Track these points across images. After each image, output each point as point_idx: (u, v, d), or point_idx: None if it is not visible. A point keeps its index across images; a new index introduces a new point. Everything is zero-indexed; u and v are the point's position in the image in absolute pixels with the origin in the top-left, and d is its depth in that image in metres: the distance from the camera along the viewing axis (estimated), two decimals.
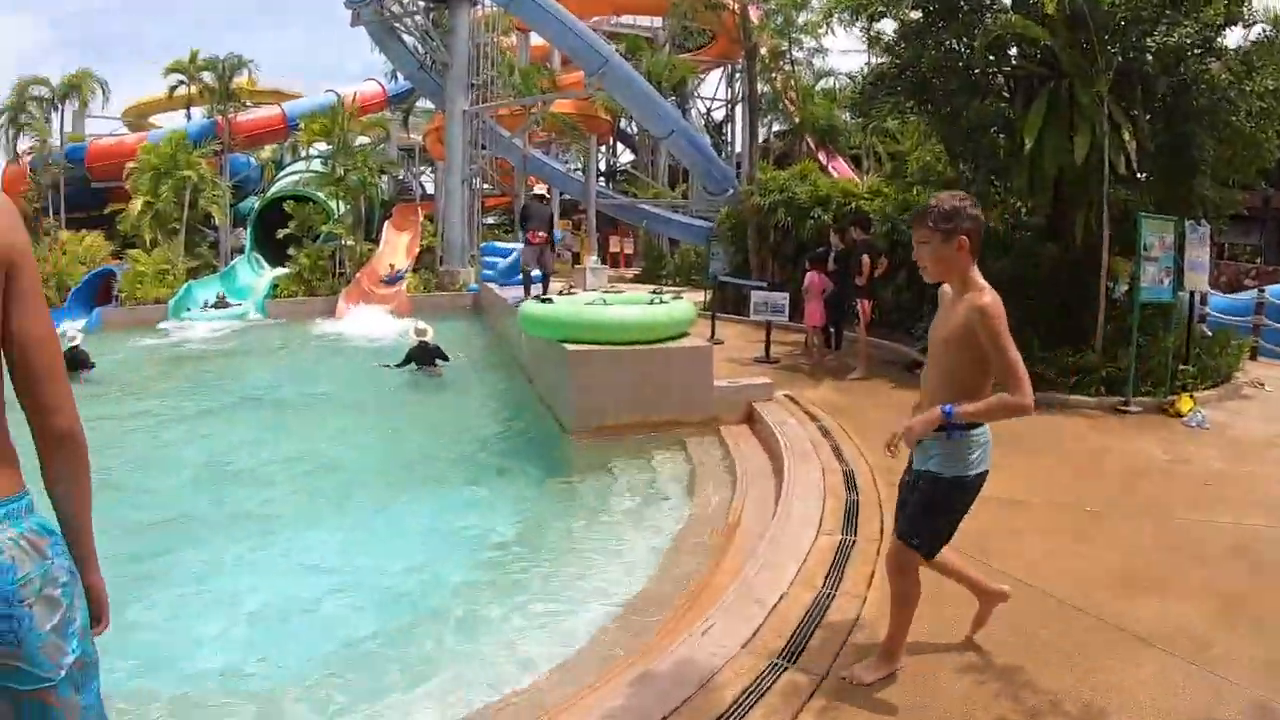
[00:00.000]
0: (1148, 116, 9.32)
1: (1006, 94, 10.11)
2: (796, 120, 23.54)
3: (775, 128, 26.66)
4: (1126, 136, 8.85)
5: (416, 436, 9.84)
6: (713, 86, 39.13)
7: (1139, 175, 9.38)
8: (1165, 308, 9.51)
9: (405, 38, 27.02)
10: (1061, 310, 9.70)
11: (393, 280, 24.14)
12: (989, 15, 9.31)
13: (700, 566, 5.05)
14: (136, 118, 40.09)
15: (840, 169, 24.77)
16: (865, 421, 7.85)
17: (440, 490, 7.63)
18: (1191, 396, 8.81)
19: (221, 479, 8.22)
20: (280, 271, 26.32)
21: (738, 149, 32.03)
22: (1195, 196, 9.54)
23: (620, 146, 42.43)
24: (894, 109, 10.92)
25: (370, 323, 20.06)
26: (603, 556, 5.59)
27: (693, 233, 26.72)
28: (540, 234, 14.09)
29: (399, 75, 32.38)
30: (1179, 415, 8.38)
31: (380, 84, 36.28)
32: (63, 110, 32.37)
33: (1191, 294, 9.89)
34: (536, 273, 14.15)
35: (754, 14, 19.72)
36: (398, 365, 12.84)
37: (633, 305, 9.07)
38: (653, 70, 28.25)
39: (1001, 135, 9.99)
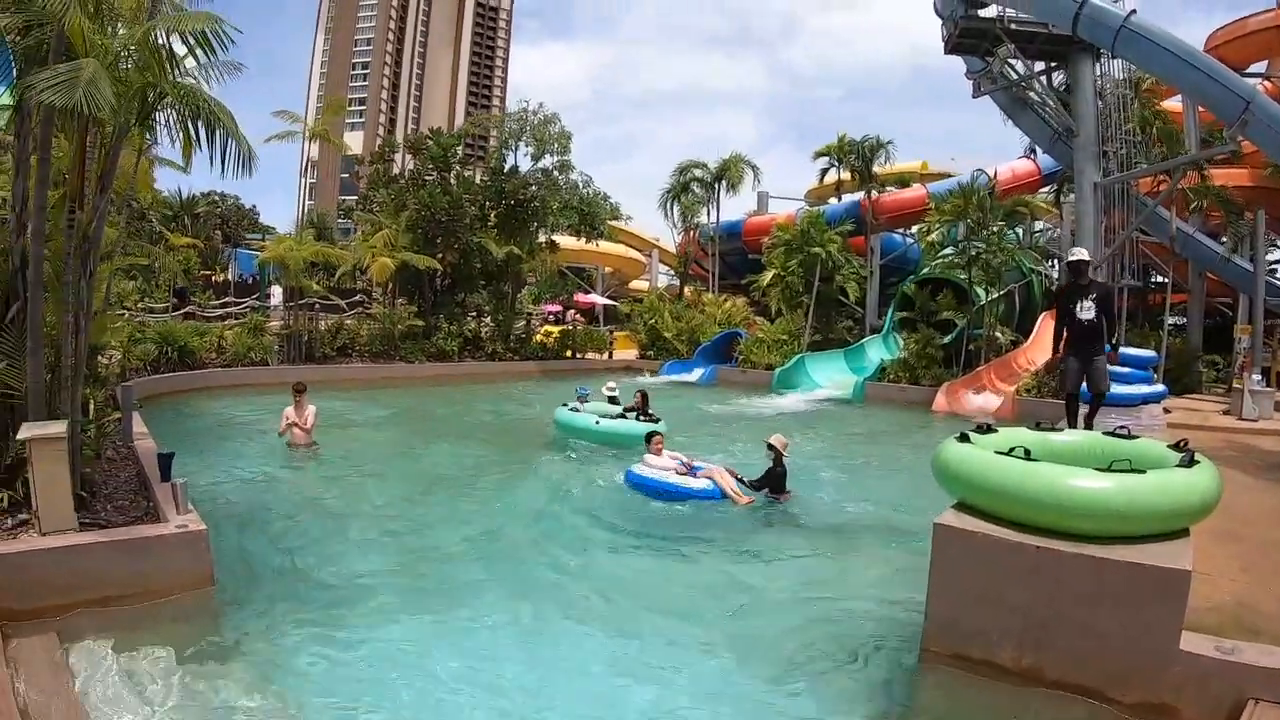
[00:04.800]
0: None
1: None
2: None
3: None
4: None
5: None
6: None
7: None
8: None
9: (1042, 108, 23.83)
10: None
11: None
12: None
13: None
14: (817, 200, 42.66)
15: None
16: None
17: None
18: None
19: None
20: (884, 356, 25.26)
21: None
22: None
23: None
24: None
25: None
26: None
27: None
28: (1091, 320, 9.19)
29: (1036, 149, 29.19)
30: None
31: (1033, 160, 33.07)
32: (719, 190, 36.18)
33: None
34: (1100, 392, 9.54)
35: None
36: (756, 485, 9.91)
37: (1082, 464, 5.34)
38: None
39: None
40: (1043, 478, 4.96)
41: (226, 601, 6.33)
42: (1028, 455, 5.26)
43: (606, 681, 5.40)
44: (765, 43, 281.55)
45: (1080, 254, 9.53)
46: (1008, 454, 5.34)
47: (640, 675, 5.47)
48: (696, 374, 26.43)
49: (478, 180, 27.91)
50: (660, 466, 9.97)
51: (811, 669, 5.65)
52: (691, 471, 9.94)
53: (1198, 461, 5.25)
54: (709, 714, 5.05)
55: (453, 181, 26.78)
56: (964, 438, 5.82)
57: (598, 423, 13.19)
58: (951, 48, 23.97)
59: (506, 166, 27.96)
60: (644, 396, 14.12)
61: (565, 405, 13.94)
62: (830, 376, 24.53)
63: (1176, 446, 5.60)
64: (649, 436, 10.54)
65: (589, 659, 5.70)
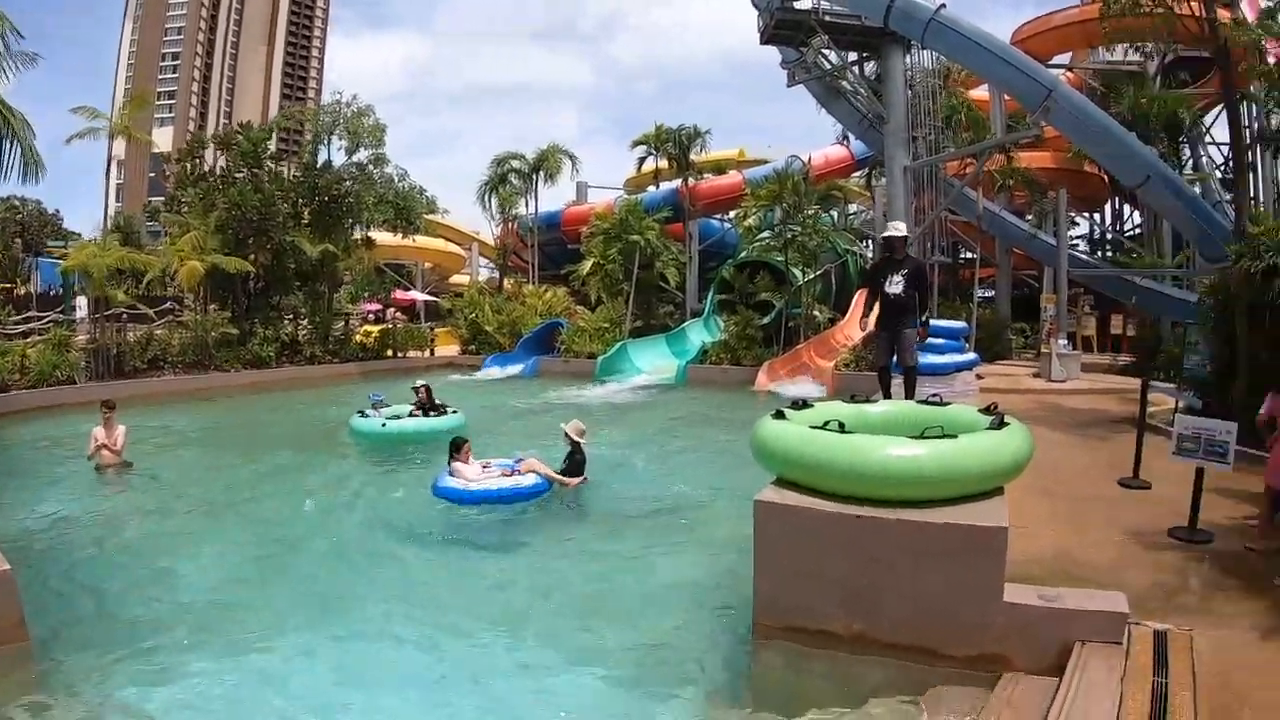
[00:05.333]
0: None
1: None
2: None
3: None
4: None
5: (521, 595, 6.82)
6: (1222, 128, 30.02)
7: None
8: None
9: (854, 96, 24.64)
10: None
11: None
12: None
13: None
14: (637, 189, 42.59)
15: None
16: None
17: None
18: None
19: None
20: (705, 339, 25.50)
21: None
22: None
23: (1129, 210, 34.90)
24: None
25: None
26: None
27: (1193, 312, 19.83)
28: (898, 295, 9.08)
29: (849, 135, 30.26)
30: None
31: (846, 146, 34.21)
32: (537, 181, 35.67)
33: None
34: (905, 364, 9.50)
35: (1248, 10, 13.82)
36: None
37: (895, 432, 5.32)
38: (1134, 108, 22.34)
39: None
40: (856, 449, 4.88)
41: (44, 654, 5.47)
42: (842, 428, 5.17)
43: (429, 694, 5.06)
44: (587, 37, 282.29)
45: (898, 229, 9.44)
46: (822, 428, 5.20)
47: (464, 686, 5.14)
48: (519, 367, 25.98)
49: (290, 176, 26.33)
50: (471, 476, 9.24)
51: (648, 655, 5.49)
52: (512, 470, 9.37)
53: (1008, 423, 5.32)
54: (548, 714, 4.80)
55: (264, 178, 25.16)
56: (780, 414, 5.70)
57: (384, 425, 12.79)
58: (768, 39, 24.41)
59: (320, 161, 26.57)
60: (427, 390, 13.69)
61: (360, 412, 13.47)
62: (653, 362, 24.54)
63: (987, 410, 5.68)
64: (455, 445, 9.58)
65: (409, 671, 5.35)
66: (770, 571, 5.10)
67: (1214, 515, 7.15)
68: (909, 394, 8.89)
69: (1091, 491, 8.06)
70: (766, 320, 24.71)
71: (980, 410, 5.74)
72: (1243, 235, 11.60)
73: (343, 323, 28.45)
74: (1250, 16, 14.16)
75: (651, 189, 36.29)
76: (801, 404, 6.10)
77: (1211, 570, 5.84)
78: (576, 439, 9.74)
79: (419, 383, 14.02)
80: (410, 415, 13.21)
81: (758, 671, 5.20)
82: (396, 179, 26.83)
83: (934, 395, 6.52)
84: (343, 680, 5.25)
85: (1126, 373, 19.52)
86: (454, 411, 13.14)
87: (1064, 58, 28.48)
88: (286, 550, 8.00)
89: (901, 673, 4.75)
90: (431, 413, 13.11)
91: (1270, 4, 13.96)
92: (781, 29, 23.60)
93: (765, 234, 27.54)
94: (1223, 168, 26.74)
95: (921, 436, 4.92)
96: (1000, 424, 5.28)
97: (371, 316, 34.62)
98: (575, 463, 9.67)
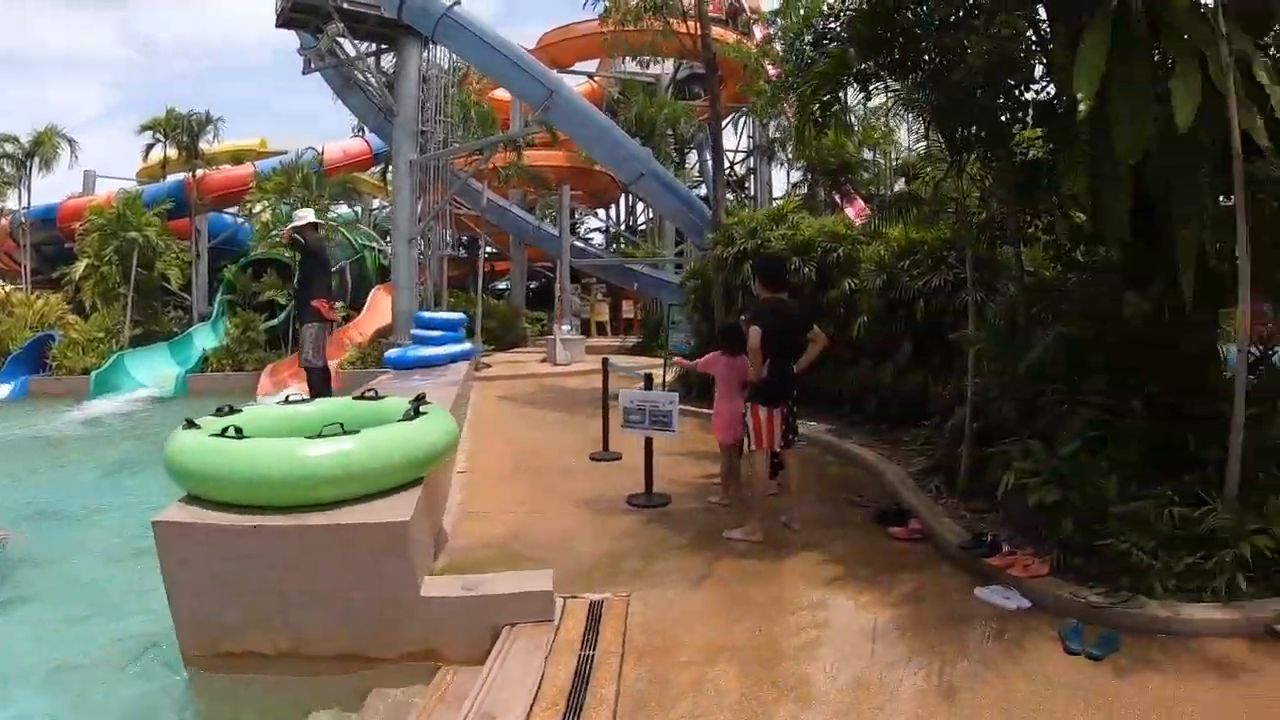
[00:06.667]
0: None
1: (1038, 24, 5.72)
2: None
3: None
4: (1264, 78, 4.40)
5: None
6: (734, 139, 34.78)
7: None
8: None
9: (367, 87, 23.91)
10: (1156, 420, 5.17)
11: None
12: None
13: None
14: (149, 179, 37.66)
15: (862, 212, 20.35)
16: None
17: None
18: None
19: None
20: (211, 344, 23.49)
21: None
22: None
23: (641, 206, 38.34)
24: (839, 77, 6.38)
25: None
26: None
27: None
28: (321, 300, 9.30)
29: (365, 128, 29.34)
30: None
31: (365, 140, 33.09)
32: (31, 168, 29.65)
33: None
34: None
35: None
36: None
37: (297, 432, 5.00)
38: (644, 114, 24.50)
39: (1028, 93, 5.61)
40: (249, 456, 4.46)
41: None
42: (240, 434, 4.68)
43: None
44: (112, 2, 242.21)
45: (302, 217, 9.38)
46: (222, 435, 4.63)
47: None
48: (6, 388, 21.83)
49: None
50: None
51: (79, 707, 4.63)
52: None
53: (424, 413, 5.20)
54: None
55: None
56: (190, 424, 5.09)
57: None
58: (283, 21, 22.91)
59: None
60: None
61: None
62: (155, 373, 22.05)
63: (417, 401, 5.52)
64: None
65: None
66: (185, 597, 4.50)
67: (687, 475, 7.72)
68: (313, 393, 8.70)
69: (563, 466, 8.35)
70: (275, 321, 23.44)
71: (412, 401, 5.56)
72: (719, 225, 13.04)
73: None
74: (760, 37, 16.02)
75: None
76: (229, 409, 5.52)
77: (661, 531, 6.11)
78: None
79: None
80: None
81: (204, 708, 4.52)
82: None
83: (369, 390, 6.29)
84: None
85: (635, 352, 21.36)
86: None
87: (591, 65, 30.31)
88: None
89: (340, 683, 4.40)
90: None
91: (772, 32, 16.04)
92: (298, 12, 22.31)
93: (277, 230, 25.82)
94: (728, 171, 30.56)
95: (320, 436, 4.60)
96: (415, 414, 5.17)
97: None
98: None
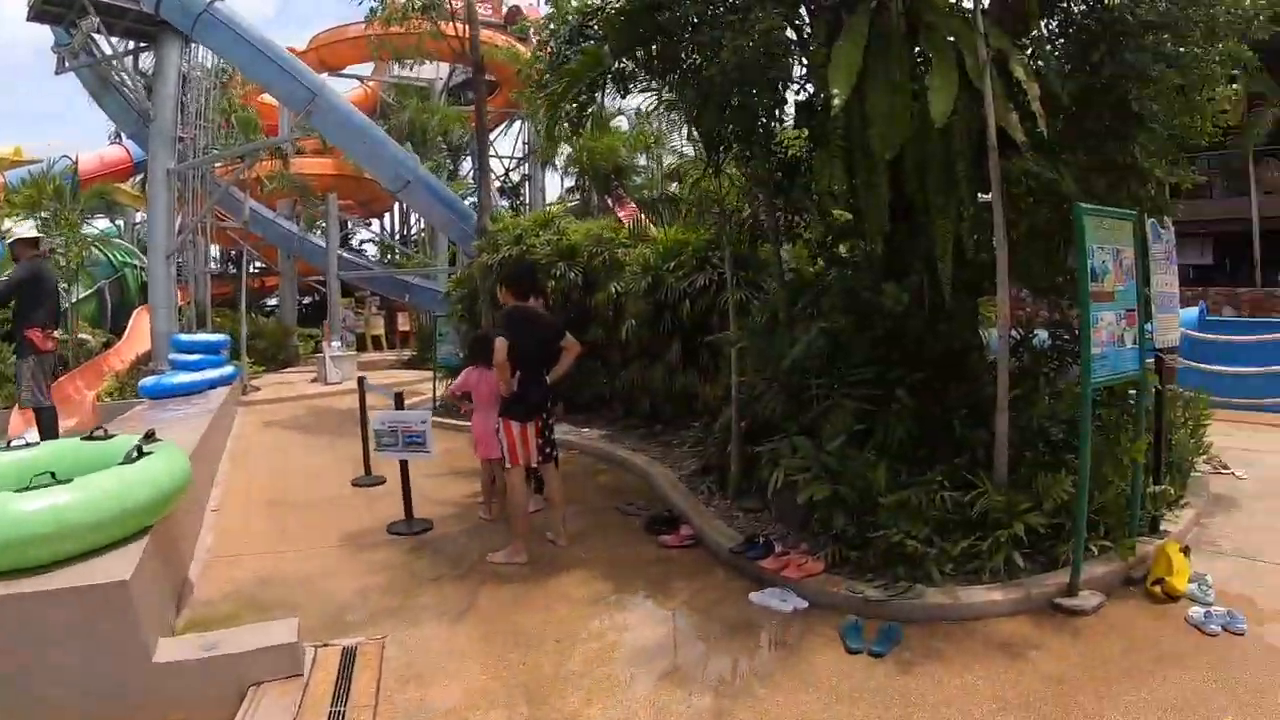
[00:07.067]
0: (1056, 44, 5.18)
1: (797, 25, 5.72)
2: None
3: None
4: (1021, 75, 4.54)
5: None
6: (510, 144, 34.29)
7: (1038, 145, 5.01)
8: (1129, 383, 4.95)
9: (124, 89, 21.57)
10: (921, 408, 5.27)
11: None
12: None
13: None
14: None
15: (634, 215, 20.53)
16: None
17: None
18: (1185, 550, 4.66)
19: None
20: None
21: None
22: (1138, 177, 5.30)
23: (415, 216, 37.05)
24: (593, 76, 6.18)
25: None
26: None
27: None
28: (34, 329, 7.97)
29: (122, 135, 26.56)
30: (1171, 596, 4.30)
31: (124, 147, 29.89)
32: None
33: (1158, 356, 5.35)
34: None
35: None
36: None
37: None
38: (416, 120, 23.65)
39: (787, 89, 5.60)
40: None
41: None
42: None
43: None
44: None
45: (21, 232, 8.14)
46: None
47: None
48: None
49: None
50: None
51: None
52: None
53: (149, 453, 4.53)
54: None
55: None
56: None
57: None
58: (35, 15, 20.17)
59: None
60: None
61: None
62: None
63: (147, 437, 4.84)
64: None
65: None
66: None
67: (453, 494, 7.28)
68: (43, 435, 7.66)
69: (324, 496, 7.65)
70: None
71: (143, 437, 4.82)
72: (484, 232, 12.59)
73: None
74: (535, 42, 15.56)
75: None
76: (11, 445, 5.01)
77: (422, 560, 5.70)
78: None
79: None
80: None
81: None
82: None
83: (98, 429, 5.27)
84: None
85: (411, 365, 20.50)
86: None
87: (368, 69, 28.90)
88: None
89: None
90: None
91: (543, 36, 15.60)
92: (51, 5, 19.69)
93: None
94: (502, 178, 29.96)
95: (29, 488, 3.87)
96: (139, 455, 4.47)
97: None
98: None
